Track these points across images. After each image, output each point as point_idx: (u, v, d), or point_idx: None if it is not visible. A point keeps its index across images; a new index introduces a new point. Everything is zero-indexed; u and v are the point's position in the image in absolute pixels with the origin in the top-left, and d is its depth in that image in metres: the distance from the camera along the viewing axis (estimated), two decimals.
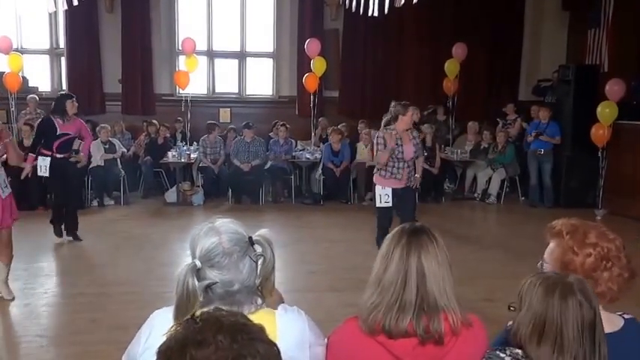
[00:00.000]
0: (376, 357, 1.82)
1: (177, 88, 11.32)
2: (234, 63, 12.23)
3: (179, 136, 10.90)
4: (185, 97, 10.81)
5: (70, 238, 7.44)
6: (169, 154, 9.89)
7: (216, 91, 12.26)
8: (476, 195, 10.53)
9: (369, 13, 8.68)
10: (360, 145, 10.48)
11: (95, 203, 9.56)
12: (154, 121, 10.79)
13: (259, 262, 1.76)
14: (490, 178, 10.39)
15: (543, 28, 12.32)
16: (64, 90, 11.72)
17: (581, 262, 1.86)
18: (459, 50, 10.95)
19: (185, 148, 10.11)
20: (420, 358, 1.80)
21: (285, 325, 1.75)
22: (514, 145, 10.46)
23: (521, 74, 12.45)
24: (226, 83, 12.28)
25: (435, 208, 9.80)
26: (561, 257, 1.90)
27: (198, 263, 1.69)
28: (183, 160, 9.85)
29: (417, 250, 1.85)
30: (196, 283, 1.65)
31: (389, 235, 1.95)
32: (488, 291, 5.62)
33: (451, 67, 11.07)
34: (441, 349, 1.81)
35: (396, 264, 1.85)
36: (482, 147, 10.70)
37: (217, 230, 1.75)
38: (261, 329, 1.21)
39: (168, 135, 10.63)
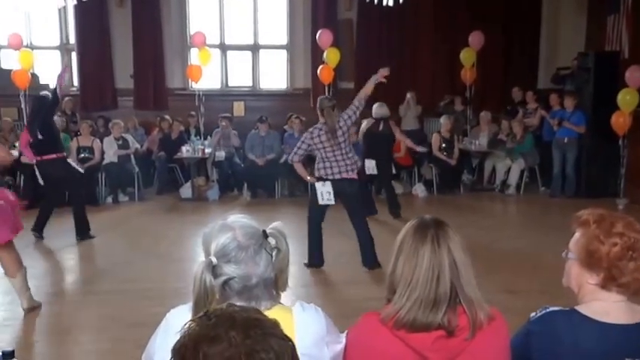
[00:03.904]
0: (396, 352, 1.79)
1: (190, 82, 11.24)
2: (247, 56, 12.13)
3: (193, 131, 10.82)
4: (198, 91, 10.73)
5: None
6: (183, 149, 9.76)
7: (230, 84, 12.15)
8: (495, 186, 10.35)
9: (384, 3, 8.57)
10: None
11: (109, 200, 9.51)
12: (167, 117, 10.72)
13: (274, 254, 1.75)
14: (509, 169, 10.20)
15: (561, 15, 12.08)
16: (74, 87, 11.73)
17: (606, 251, 1.83)
18: (475, 39, 10.70)
19: (199, 142, 10.02)
20: (440, 352, 1.78)
21: (303, 323, 1.73)
22: (532, 135, 10.28)
23: (540, 62, 12.20)
24: (239, 76, 12.17)
25: (454, 200, 9.67)
26: (587, 245, 1.87)
27: (214, 260, 1.68)
28: (197, 155, 9.76)
29: (446, 242, 1.83)
30: (213, 279, 1.64)
31: (407, 233, 1.89)
32: (509, 283, 5.53)
33: (467, 56, 10.86)
34: (464, 342, 1.78)
35: (428, 260, 1.81)
36: (499, 137, 10.52)
37: (231, 226, 1.75)
38: (275, 324, 1.20)
39: (182, 129, 10.56)
